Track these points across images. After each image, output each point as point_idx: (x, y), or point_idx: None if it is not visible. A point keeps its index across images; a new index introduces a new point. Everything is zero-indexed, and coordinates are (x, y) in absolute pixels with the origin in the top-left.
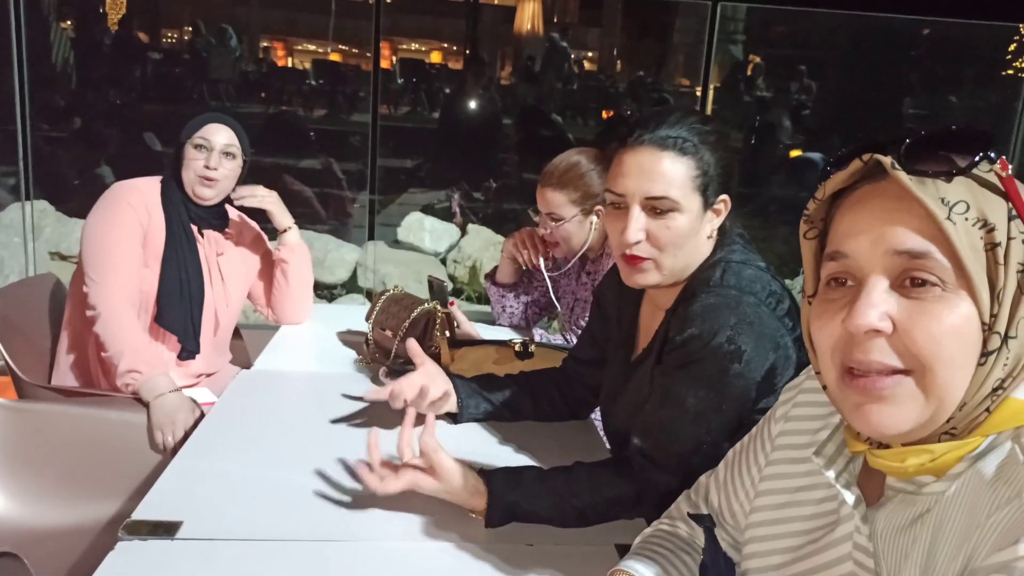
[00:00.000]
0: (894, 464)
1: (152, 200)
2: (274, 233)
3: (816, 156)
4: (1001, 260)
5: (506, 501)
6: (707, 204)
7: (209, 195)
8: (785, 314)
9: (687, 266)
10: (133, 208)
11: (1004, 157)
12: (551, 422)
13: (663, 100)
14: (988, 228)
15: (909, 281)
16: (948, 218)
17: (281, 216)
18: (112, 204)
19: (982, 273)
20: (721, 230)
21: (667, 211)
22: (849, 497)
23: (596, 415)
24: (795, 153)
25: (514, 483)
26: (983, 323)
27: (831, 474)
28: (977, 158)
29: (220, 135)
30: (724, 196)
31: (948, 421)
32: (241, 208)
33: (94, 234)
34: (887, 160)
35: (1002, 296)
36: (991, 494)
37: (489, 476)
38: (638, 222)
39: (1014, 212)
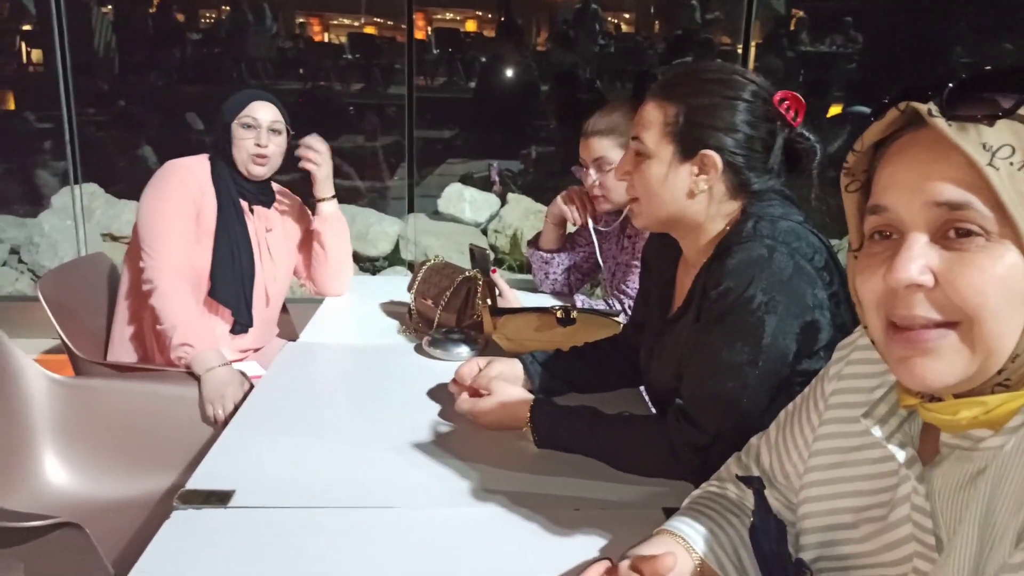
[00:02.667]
0: (946, 417)
1: (203, 178)
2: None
3: (866, 110)
4: None
5: (544, 405)
6: (684, 155)
7: (262, 172)
8: (822, 267)
9: (674, 218)
10: (185, 185)
11: None
12: (616, 390)
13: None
14: None
15: (953, 232)
16: (990, 164)
17: (323, 186)
18: (165, 182)
19: None
20: (753, 192)
21: (641, 155)
22: (900, 454)
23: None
24: (835, 109)
25: (552, 403)
26: None
27: (879, 433)
28: (1021, 99)
29: (265, 112)
30: (707, 151)
31: (1000, 373)
32: (287, 181)
33: (149, 211)
34: (923, 108)
35: None
36: None
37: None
38: (624, 163)
39: None
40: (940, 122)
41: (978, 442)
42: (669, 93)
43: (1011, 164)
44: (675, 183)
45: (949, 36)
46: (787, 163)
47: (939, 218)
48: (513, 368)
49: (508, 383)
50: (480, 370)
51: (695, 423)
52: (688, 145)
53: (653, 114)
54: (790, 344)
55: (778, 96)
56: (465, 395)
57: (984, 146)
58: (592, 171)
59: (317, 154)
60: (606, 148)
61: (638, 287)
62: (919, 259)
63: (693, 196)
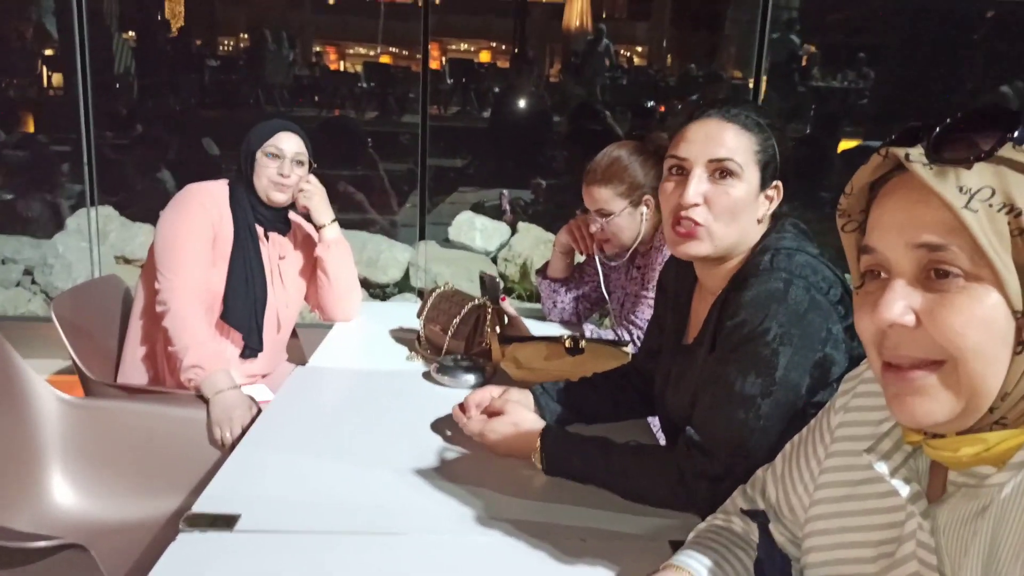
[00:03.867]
0: (948, 454)
1: (222, 202)
2: None
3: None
4: None
5: (556, 432)
6: (763, 183)
7: (282, 200)
8: (838, 300)
9: (736, 244)
10: (205, 209)
11: None
12: (625, 420)
13: (714, 89)
14: (1016, 212)
15: (934, 272)
16: (967, 206)
17: (321, 213)
18: (185, 204)
19: (1008, 260)
20: (773, 218)
21: (729, 175)
22: (903, 490)
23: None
24: (845, 144)
25: (564, 430)
26: (1014, 311)
27: (884, 468)
28: (997, 141)
29: (291, 143)
30: (778, 183)
31: (994, 411)
32: (296, 211)
33: (167, 232)
34: (901, 153)
35: None
36: None
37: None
38: (700, 183)
39: None
40: (918, 167)
41: (983, 479)
42: (750, 123)
43: (990, 206)
44: (754, 208)
45: (962, 73)
46: None
47: (921, 259)
48: (525, 398)
49: (523, 407)
50: (493, 398)
51: (706, 452)
52: (770, 174)
53: (740, 140)
54: (803, 377)
55: None
56: (479, 415)
57: (961, 189)
58: (597, 217)
59: (308, 184)
60: (607, 199)
61: (653, 313)
62: (901, 300)
63: (760, 223)
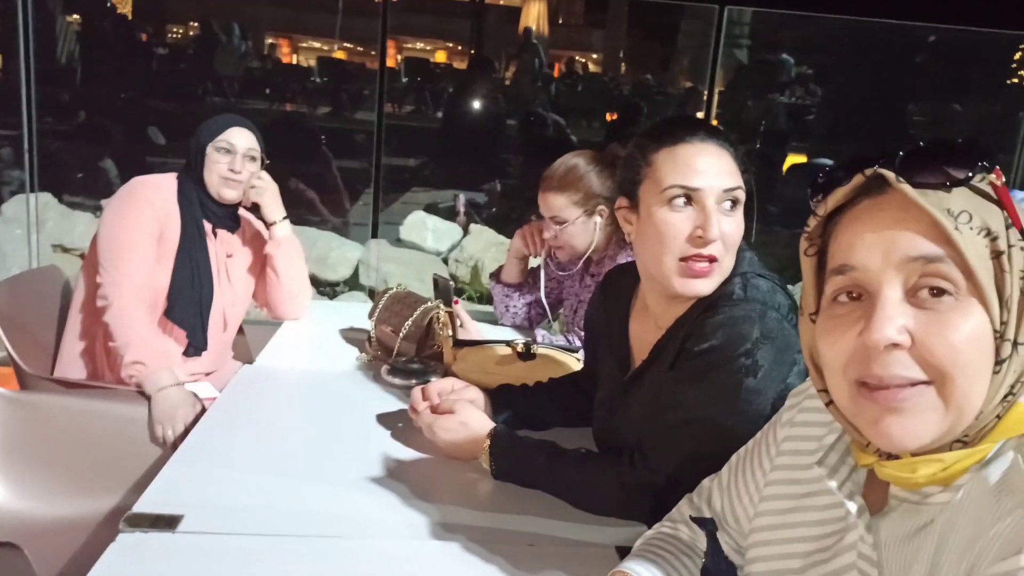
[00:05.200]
0: (904, 475)
1: (169, 197)
2: None
3: (826, 162)
4: (1006, 267)
5: (505, 435)
6: (747, 204)
7: (233, 196)
8: (794, 324)
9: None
10: (151, 204)
11: (997, 167)
12: (574, 427)
13: (668, 101)
14: (992, 236)
15: (926, 291)
16: (955, 228)
17: (272, 209)
18: (131, 198)
19: (991, 281)
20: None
21: (736, 204)
22: (852, 507)
23: None
24: (794, 159)
25: (513, 434)
26: (994, 331)
27: (833, 484)
28: (976, 168)
29: (242, 139)
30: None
31: (963, 429)
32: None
33: (111, 226)
34: (891, 174)
35: (1010, 303)
36: (995, 504)
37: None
38: (720, 217)
39: (1009, 220)
40: (907, 187)
41: (927, 497)
42: (726, 143)
43: (971, 228)
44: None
45: (903, 94)
46: None
47: (912, 273)
48: (481, 397)
49: (474, 408)
50: (453, 389)
51: (651, 466)
52: (748, 193)
53: (735, 167)
54: (765, 407)
55: None
56: (428, 410)
57: (948, 211)
58: (551, 224)
59: (259, 180)
60: (562, 206)
61: (585, 348)
62: (896, 318)
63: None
